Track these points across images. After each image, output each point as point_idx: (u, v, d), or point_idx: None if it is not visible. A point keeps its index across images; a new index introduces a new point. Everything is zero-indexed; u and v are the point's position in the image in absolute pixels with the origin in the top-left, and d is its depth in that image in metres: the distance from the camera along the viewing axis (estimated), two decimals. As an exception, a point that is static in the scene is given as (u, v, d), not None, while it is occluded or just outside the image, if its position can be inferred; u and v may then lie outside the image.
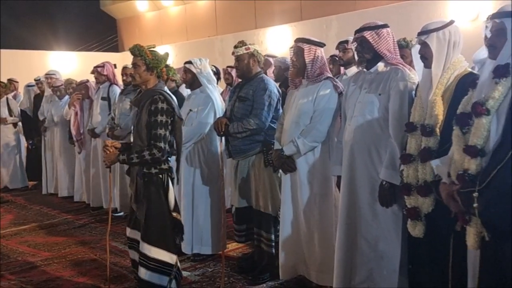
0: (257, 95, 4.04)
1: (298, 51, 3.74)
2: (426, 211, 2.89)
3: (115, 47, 15.78)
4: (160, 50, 12.88)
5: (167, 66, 5.08)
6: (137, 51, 3.43)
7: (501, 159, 2.16)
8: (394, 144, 3.12)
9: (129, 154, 3.34)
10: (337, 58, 5.26)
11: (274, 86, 4.13)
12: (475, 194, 2.19)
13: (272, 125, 4.08)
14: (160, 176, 3.38)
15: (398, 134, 3.16)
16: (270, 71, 5.79)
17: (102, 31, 15.75)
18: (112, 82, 6.69)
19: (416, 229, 2.93)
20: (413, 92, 3.19)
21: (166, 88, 5.13)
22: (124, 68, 6.26)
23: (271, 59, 5.94)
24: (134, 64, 3.46)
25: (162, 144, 3.28)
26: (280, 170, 3.86)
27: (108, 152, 3.47)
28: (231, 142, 4.18)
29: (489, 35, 2.47)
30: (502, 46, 2.29)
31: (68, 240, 5.69)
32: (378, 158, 3.26)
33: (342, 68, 5.16)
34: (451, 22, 2.89)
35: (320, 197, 3.70)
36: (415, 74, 3.26)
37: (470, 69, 2.88)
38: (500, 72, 2.26)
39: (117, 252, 5.10)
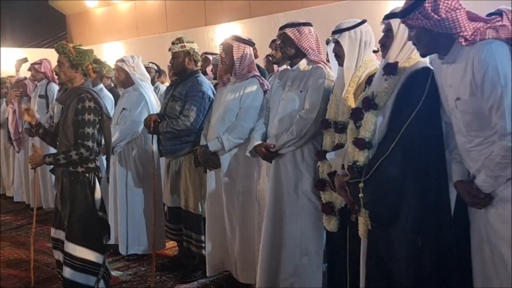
0: (189, 95, 4.00)
1: (227, 48, 3.74)
2: (340, 206, 2.96)
3: (65, 44, 15.41)
4: (110, 46, 12.55)
5: (98, 62, 5.05)
6: (61, 49, 3.37)
7: (383, 151, 2.31)
8: None
9: (56, 155, 3.28)
10: (270, 58, 5.30)
11: (208, 88, 4.09)
12: (361, 185, 2.34)
13: (204, 126, 4.02)
14: (87, 175, 3.34)
15: (301, 131, 3.23)
16: (209, 69, 5.77)
17: (51, 28, 15.40)
18: (50, 79, 6.54)
19: (331, 224, 3.01)
20: (331, 90, 3.25)
21: (102, 87, 5.19)
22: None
23: (210, 57, 5.91)
24: (58, 62, 3.41)
25: (90, 143, 3.24)
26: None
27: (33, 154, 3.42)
28: (162, 141, 4.14)
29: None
30: (390, 46, 2.40)
31: (2, 242, 5.54)
32: (301, 154, 3.31)
33: (275, 66, 5.19)
34: (363, 22, 2.95)
35: (243, 194, 3.71)
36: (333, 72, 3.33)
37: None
38: (388, 70, 2.39)
39: (51, 253, 4.97)
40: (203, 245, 4.05)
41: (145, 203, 4.65)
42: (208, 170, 3.83)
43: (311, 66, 3.36)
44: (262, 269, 3.45)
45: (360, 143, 2.45)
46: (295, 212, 3.35)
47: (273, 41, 4.88)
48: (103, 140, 3.49)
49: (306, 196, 3.30)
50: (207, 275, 3.92)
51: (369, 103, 2.45)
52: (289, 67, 3.47)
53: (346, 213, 2.92)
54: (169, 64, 6.60)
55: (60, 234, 3.47)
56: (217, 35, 11.00)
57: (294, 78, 3.39)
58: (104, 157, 4.06)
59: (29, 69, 6.67)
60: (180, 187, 4.13)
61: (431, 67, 2.40)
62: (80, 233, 3.32)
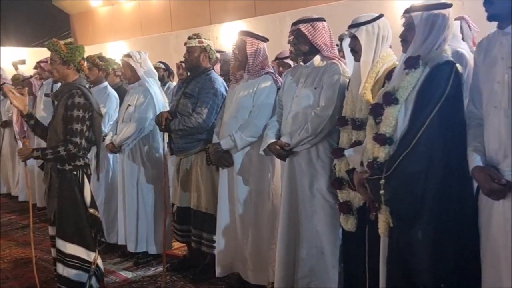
0: (202, 92, 3.93)
1: (240, 44, 3.67)
2: (358, 204, 2.90)
3: (69, 43, 15.36)
4: (114, 46, 12.48)
5: (103, 60, 5.00)
6: (52, 46, 3.39)
7: (405, 147, 2.27)
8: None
9: (44, 150, 3.29)
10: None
11: (221, 85, 4.02)
12: (382, 181, 2.29)
13: (216, 123, 3.94)
14: (74, 172, 3.33)
15: (316, 128, 3.17)
16: (217, 66, 5.70)
17: (55, 27, 15.34)
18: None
19: (349, 223, 2.95)
20: (346, 86, 3.19)
21: (107, 84, 5.12)
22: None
23: (218, 55, 5.84)
24: (51, 59, 3.43)
25: (78, 139, 3.23)
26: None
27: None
28: (173, 139, 4.07)
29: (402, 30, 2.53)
30: (412, 40, 2.35)
31: (9, 242, 5.50)
32: (316, 152, 3.25)
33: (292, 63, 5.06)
34: (381, 16, 2.90)
35: (256, 193, 3.65)
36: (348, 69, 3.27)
37: (398, 63, 2.89)
38: (410, 63, 2.35)
39: None
40: (214, 245, 3.98)
41: (155, 202, 4.59)
42: (220, 169, 3.77)
43: (325, 62, 3.30)
44: (279, 268, 3.39)
45: (380, 139, 2.39)
46: (310, 211, 3.29)
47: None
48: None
49: (321, 194, 3.24)
50: (217, 276, 3.85)
51: (390, 98, 2.39)
52: (302, 63, 3.41)
53: (363, 212, 2.87)
54: (177, 63, 6.66)
55: (54, 231, 3.47)
56: (222, 34, 10.93)
57: (307, 74, 3.33)
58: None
59: (35, 67, 6.62)
60: (191, 186, 4.06)
61: (455, 61, 2.34)
62: (70, 230, 3.33)
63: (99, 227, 3.47)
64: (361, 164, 2.56)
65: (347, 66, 3.25)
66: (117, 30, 13.75)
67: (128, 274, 4.33)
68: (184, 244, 4.65)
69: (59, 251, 3.35)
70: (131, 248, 4.54)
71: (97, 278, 3.45)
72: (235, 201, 3.69)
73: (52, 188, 3.36)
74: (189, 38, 4.10)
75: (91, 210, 3.40)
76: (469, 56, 3.35)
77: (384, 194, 2.33)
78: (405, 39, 2.46)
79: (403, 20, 2.49)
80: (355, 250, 2.99)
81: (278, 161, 3.69)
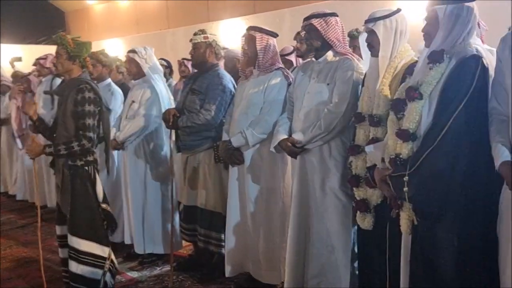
0: (210, 89, 3.86)
1: (250, 40, 3.61)
2: (375, 202, 2.85)
3: (64, 41, 15.21)
4: (110, 43, 12.39)
5: (106, 56, 4.92)
6: (59, 40, 3.34)
7: (430, 143, 2.23)
8: None
9: (56, 146, 3.23)
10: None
11: (229, 81, 3.95)
12: (405, 178, 2.25)
13: (225, 121, 3.89)
14: (86, 168, 3.30)
15: (329, 125, 3.12)
16: (221, 63, 5.62)
17: (50, 24, 15.19)
18: (54, 74, 6.38)
19: (366, 221, 2.89)
20: (360, 83, 3.14)
21: (110, 81, 5.03)
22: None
23: (222, 52, 5.76)
24: (56, 53, 3.39)
25: (91, 134, 3.22)
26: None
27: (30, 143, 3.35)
28: (181, 136, 4.00)
29: (424, 24, 2.47)
30: (435, 34, 2.30)
31: (9, 241, 5.41)
32: (328, 149, 3.19)
33: (299, 59, 5.01)
34: (398, 11, 2.84)
35: (267, 191, 3.58)
36: (363, 64, 3.21)
37: (416, 58, 2.84)
38: (434, 58, 2.31)
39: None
40: (223, 244, 3.92)
41: (161, 201, 4.51)
42: (230, 167, 3.71)
43: (337, 58, 3.24)
44: (289, 267, 3.34)
45: (404, 135, 2.34)
46: (322, 210, 3.23)
47: (298, 33, 4.72)
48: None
49: (334, 193, 3.19)
50: (226, 275, 3.78)
51: (413, 93, 2.33)
52: (313, 59, 3.36)
53: (381, 210, 2.82)
54: (179, 60, 6.58)
55: (65, 230, 3.42)
56: (221, 31, 10.84)
57: (319, 70, 3.27)
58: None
59: (34, 64, 6.52)
60: (198, 184, 3.99)
61: (480, 55, 2.29)
62: (84, 226, 3.30)
63: (112, 222, 3.43)
64: (382, 160, 2.50)
65: (362, 61, 3.21)
66: (113, 27, 13.64)
67: (134, 274, 4.26)
68: (189, 244, 4.60)
69: (72, 248, 3.29)
70: (139, 250, 4.45)
71: (112, 274, 3.41)
72: (245, 200, 3.63)
73: (65, 185, 3.30)
74: (195, 34, 4.04)
75: (104, 205, 3.37)
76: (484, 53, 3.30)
77: (408, 191, 2.27)
78: (428, 33, 2.40)
79: (426, 14, 2.44)
80: (372, 249, 2.94)
81: (289, 159, 3.64)
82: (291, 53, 5.36)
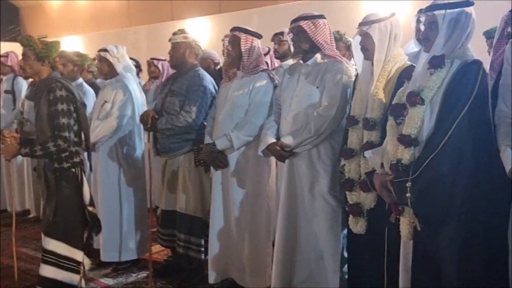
0: (190, 90, 3.75)
1: (234, 40, 3.53)
2: (369, 206, 2.83)
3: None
4: (68, 41, 11.95)
5: (80, 55, 4.74)
6: (26, 41, 3.21)
7: (433, 148, 2.23)
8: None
9: (32, 147, 3.08)
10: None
11: (210, 82, 3.85)
12: (408, 184, 2.22)
13: (206, 123, 3.78)
14: (73, 170, 3.16)
15: (319, 128, 3.08)
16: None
17: (4, 20, 14.59)
18: (17, 73, 6.10)
19: (358, 226, 2.87)
20: (350, 86, 3.11)
21: (82, 81, 4.85)
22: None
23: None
24: (23, 54, 3.25)
25: (66, 134, 3.06)
26: (211, 167, 3.64)
27: (6, 144, 3.15)
28: (159, 139, 3.87)
29: (423, 29, 2.49)
30: (435, 39, 2.31)
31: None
32: (317, 153, 3.16)
33: (277, 61, 4.97)
34: (393, 14, 2.83)
35: (253, 195, 3.51)
36: (352, 67, 3.20)
37: (409, 62, 2.84)
38: (435, 63, 2.31)
39: (28, 259, 4.65)
40: (203, 249, 3.83)
41: (134, 204, 4.36)
42: (212, 170, 3.62)
43: (326, 60, 3.21)
44: (276, 272, 3.29)
45: (406, 140, 2.32)
46: (311, 214, 3.20)
47: (276, 34, 4.68)
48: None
49: (323, 197, 3.16)
50: (210, 282, 3.68)
51: (415, 98, 2.32)
52: (301, 61, 3.31)
53: (374, 214, 2.80)
54: (148, 60, 6.42)
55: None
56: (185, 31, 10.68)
57: (308, 73, 3.24)
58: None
59: (-5, 62, 6.20)
60: (177, 188, 3.87)
61: (481, 60, 2.30)
62: (66, 230, 3.16)
63: (97, 226, 3.29)
64: (381, 166, 2.48)
65: (350, 64, 3.19)
66: (71, 24, 13.24)
67: (109, 281, 4.09)
68: (164, 249, 4.47)
69: (49, 252, 3.12)
70: (113, 257, 4.29)
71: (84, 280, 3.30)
72: (230, 204, 3.55)
73: (50, 190, 3.15)
74: (174, 34, 3.93)
75: (90, 208, 3.23)
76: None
77: (410, 197, 2.26)
78: (427, 37, 2.40)
79: (423, 18, 2.44)
80: (363, 254, 2.92)
81: (274, 161, 3.58)
82: (265, 54, 5.30)
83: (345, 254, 3.20)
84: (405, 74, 2.64)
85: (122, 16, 12.01)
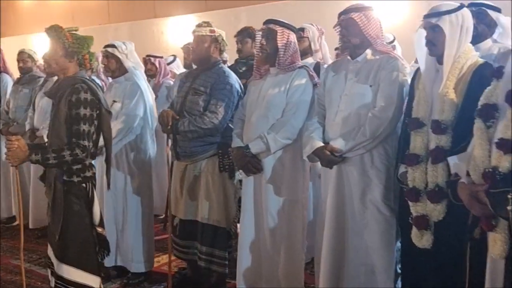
0: (215, 88, 3.42)
1: (269, 34, 3.22)
2: (437, 218, 2.55)
3: (-15, 33, 13.95)
4: (40, 38, 11.35)
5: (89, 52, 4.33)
6: (54, 33, 2.85)
7: None
8: None
9: (45, 153, 2.70)
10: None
11: (235, 80, 3.53)
12: (510, 195, 1.91)
13: (231, 125, 3.47)
14: (84, 185, 2.79)
15: (375, 131, 2.82)
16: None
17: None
18: (1, 70, 5.66)
19: (424, 239, 2.59)
20: (405, 85, 2.85)
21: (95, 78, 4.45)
22: (21, 53, 5.39)
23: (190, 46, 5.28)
24: (51, 48, 2.88)
25: (85, 142, 2.70)
26: (241, 173, 3.30)
27: (13, 148, 2.73)
28: (179, 142, 3.51)
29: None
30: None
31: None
32: (370, 158, 2.87)
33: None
34: (463, 6, 2.57)
35: (289, 203, 3.21)
36: (406, 64, 2.94)
37: (482, 60, 2.59)
38: None
39: (16, 270, 4.30)
40: (227, 262, 3.50)
41: (142, 214, 4.01)
42: (243, 176, 3.29)
43: (378, 57, 2.94)
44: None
45: (506, 146, 2.05)
46: (361, 225, 2.92)
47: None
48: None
49: (376, 206, 2.88)
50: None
51: (516, 98, 2.05)
52: (348, 57, 3.03)
53: (441, 228, 2.53)
54: (144, 57, 6.01)
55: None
56: (169, 29, 10.28)
57: (358, 70, 2.95)
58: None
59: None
60: (199, 196, 3.53)
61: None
62: (76, 252, 2.80)
63: (105, 249, 2.94)
64: (467, 174, 2.21)
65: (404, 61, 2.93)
66: (44, 20, 12.46)
67: (119, 299, 3.72)
68: (173, 259, 4.11)
69: (60, 278, 2.77)
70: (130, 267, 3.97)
71: None
72: (263, 213, 3.23)
73: (57, 202, 2.76)
74: (198, 25, 3.58)
75: (100, 229, 2.88)
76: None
77: None
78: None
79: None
80: (426, 270, 2.65)
81: (308, 166, 3.29)
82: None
83: (398, 269, 2.93)
84: (483, 72, 2.39)
85: (101, 13, 11.51)
